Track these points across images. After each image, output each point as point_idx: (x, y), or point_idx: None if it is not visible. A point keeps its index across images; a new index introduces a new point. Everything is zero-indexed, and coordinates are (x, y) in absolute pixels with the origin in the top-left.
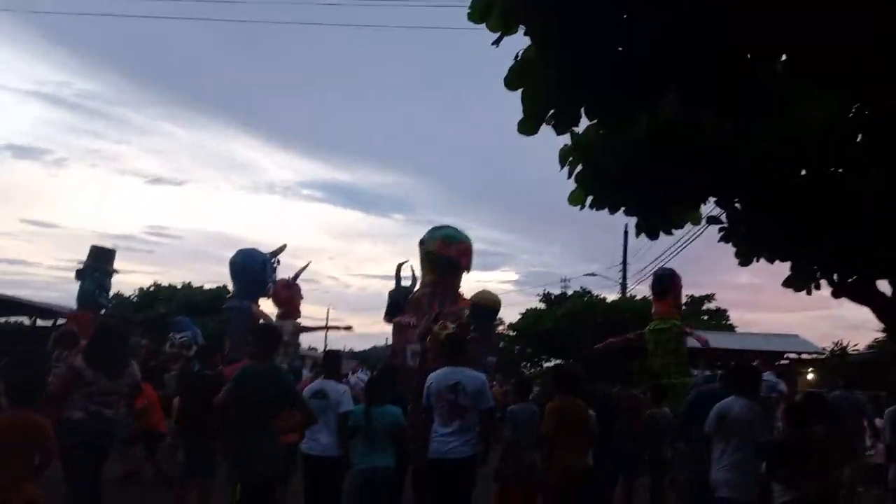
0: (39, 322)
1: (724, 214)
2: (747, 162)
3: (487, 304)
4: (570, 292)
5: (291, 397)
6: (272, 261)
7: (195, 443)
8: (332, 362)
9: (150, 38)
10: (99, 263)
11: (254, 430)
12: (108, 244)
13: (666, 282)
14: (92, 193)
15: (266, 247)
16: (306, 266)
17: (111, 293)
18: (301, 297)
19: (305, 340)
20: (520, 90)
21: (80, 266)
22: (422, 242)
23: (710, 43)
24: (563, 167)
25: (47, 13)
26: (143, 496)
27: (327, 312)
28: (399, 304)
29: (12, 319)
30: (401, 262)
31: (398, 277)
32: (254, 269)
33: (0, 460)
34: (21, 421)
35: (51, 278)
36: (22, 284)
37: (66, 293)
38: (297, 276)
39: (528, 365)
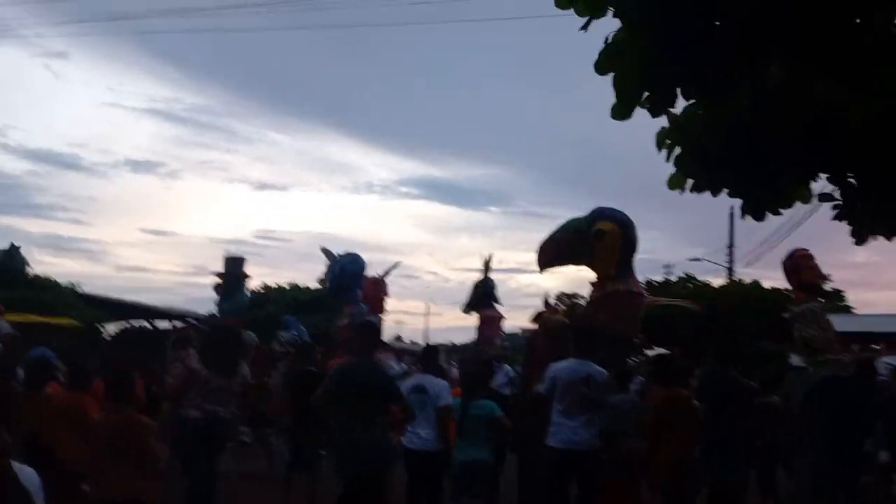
0: (159, 325)
1: (837, 191)
2: (861, 129)
3: None
4: (673, 279)
5: (391, 392)
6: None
7: (300, 437)
8: (431, 357)
9: (251, 51)
10: (229, 274)
11: (356, 424)
12: (220, 249)
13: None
14: (204, 202)
15: (366, 246)
16: (396, 265)
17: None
18: (386, 294)
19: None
20: (611, 74)
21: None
22: (605, 230)
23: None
24: (660, 150)
25: (154, 33)
26: (254, 490)
27: (427, 307)
28: (487, 295)
29: (136, 323)
30: (490, 254)
31: (487, 269)
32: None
33: (104, 460)
34: (120, 421)
35: (169, 283)
36: (143, 290)
37: (183, 297)
38: (386, 273)
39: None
